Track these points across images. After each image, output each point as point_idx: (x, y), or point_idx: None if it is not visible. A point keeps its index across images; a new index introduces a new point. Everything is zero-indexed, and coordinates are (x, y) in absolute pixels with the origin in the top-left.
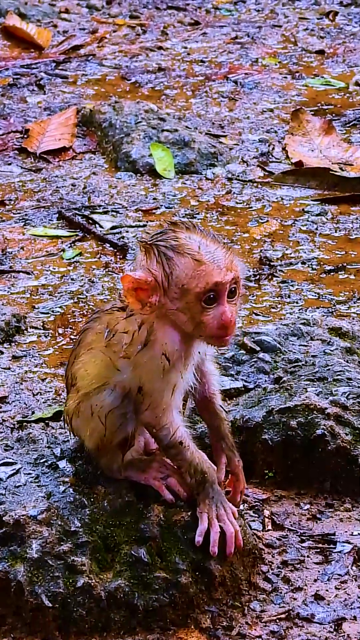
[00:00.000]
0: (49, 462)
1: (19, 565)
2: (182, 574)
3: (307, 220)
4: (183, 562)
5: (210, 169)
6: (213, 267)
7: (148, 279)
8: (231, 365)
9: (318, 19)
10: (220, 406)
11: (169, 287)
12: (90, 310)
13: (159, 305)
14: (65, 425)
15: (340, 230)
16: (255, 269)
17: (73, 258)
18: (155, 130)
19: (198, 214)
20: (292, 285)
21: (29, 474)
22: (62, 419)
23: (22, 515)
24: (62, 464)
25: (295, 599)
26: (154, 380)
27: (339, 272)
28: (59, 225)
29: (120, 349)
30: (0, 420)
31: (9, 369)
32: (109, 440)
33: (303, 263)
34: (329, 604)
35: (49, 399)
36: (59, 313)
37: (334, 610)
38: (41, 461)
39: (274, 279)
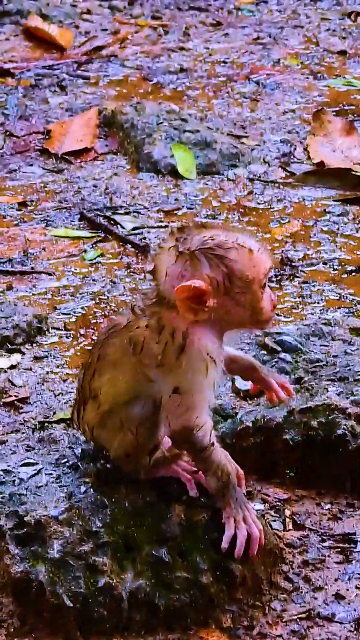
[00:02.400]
0: (70, 463)
1: (40, 565)
2: (203, 574)
3: (329, 221)
4: (204, 562)
5: (231, 169)
6: (261, 252)
7: (206, 285)
8: None
9: (340, 19)
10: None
11: (232, 284)
12: (111, 311)
13: (215, 309)
14: (78, 430)
15: None
16: (276, 270)
17: (95, 259)
18: (177, 131)
19: (220, 214)
20: (313, 286)
21: (50, 474)
22: (73, 425)
23: (44, 516)
24: (84, 464)
25: (316, 598)
26: (196, 382)
27: None
28: (81, 226)
29: (152, 361)
30: (22, 421)
31: (31, 369)
32: (140, 449)
33: (324, 263)
34: (349, 603)
35: (70, 400)
36: (80, 314)
37: (355, 610)
38: (62, 461)
39: (295, 279)
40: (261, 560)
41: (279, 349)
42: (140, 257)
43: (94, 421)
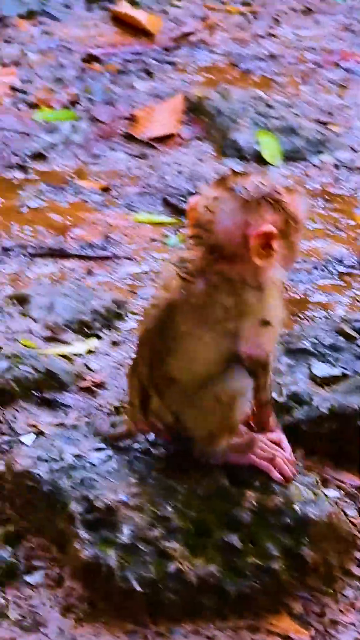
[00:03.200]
0: (142, 448)
1: (110, 550)
2: (274, 560)
3: None
4: (275, 548)
5: (317, 155)
6: (300, 193)
7: (275, 229)
8: (330, 352)
9: None
10: None
11: (288, 227)
12: None
13: (277, 251)
14: (141, 428)
15: None
16: (359, 256)
17: (176, 245)
18: (263, 117)
19: (305, 200)
20: None
21: (122, 459)
22: (134, 426)
23: (114, 501)
24: (155, 449)
25: None
26: (279, 311)
27: None
28: (163, 212)
29: (230, 314)
30: (97, 406)
31: (108, 354)
32: (233, 425)
33: None
34: None
35: None
36: None
37: None
38: (134, 447)
39: None
40: (334, 547)
41: (357, 335)
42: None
43: (177, 407)
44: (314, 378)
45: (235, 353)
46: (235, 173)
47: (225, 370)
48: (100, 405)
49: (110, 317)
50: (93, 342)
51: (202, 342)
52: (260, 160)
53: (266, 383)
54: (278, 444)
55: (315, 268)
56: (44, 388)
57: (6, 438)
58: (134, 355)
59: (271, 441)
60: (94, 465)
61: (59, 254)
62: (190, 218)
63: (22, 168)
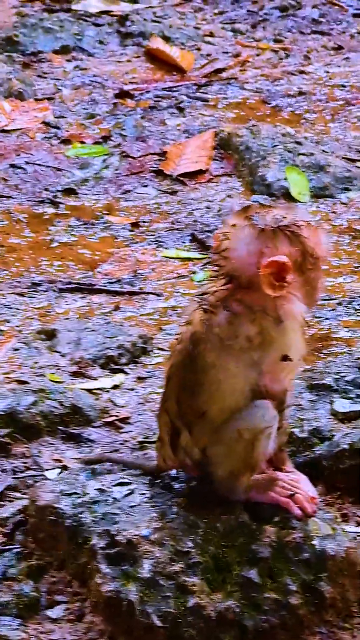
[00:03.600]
0: (164, 483)
1: (130, 584)
2: (292, 595)
3: None
4: (294, 583)
5: (345, 192)
6: (324, 231)
7: (289, 260)
8: (352, 388)
9: None
10: None
11: (305, 261)
12: None
13: (291, 284)
14: (171, 465)
15: None
16: None
17: (204, 280)
18: (292, 154)
19: (330, 237)
20: None
21: (144, 494)
22: (165, 462)
23: (135, 535)
24: (176, 484)
25: None
26: (298, 344)
27: None
28: (192, 247)
29: (252, 343)
30: (121, 441)
31: (133, 390)
32: (254, 463)
33: None
34: None
35: None
36: None
37: None
38: (156, 482)
39: None
40: (352, 582)
41: None
42: None
43: (205, 442)
44: (335, 414)
45: (261, 387)
46: (260, 205)
47: (249, 406)
48: (125, 440)
49: (137, 353)
50: (119, 377)
51: (229, 372)
52: (288, 196)
53: (281, 426)
54: (298, 482)
55: (340, 304)
56: (70, 423)
57: (31, 473)
58: (162, 392)
59: (292, 479)
60: (116, 499)
61: (88, 289)
62: (214, 248)
63: (53, 203)
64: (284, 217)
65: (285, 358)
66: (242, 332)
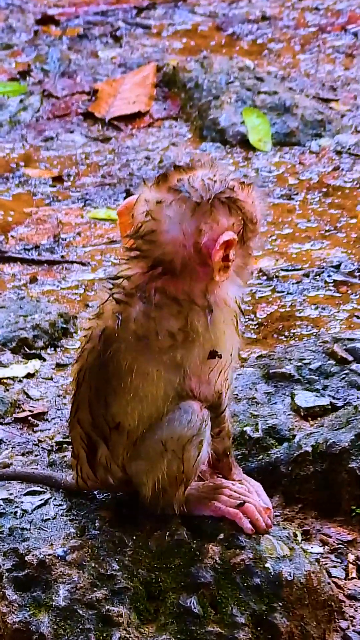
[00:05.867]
0: (85, 492)
1: (42, 614)
2: (240, 628)
3: None
4: (242, 614)
5: (315, 139)
6: (255, 187)
7: (235, 235)
8: (317, 378)
9: None
10: None
11: (246, 229)
12: None
13: (234, 259)
14: (91, 485)
15: None
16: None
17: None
18: (250, 93)
19: (297, 194)
20: None
21: (60, 505)
22: (82, 482)
23: (49, 555)
24: (101, 494)
25: None
26: (231, 337)
27: None
28: None
29: (176, 340)
30: (35, 441)
31: (51, 379)
32: (186, 477)
33: None
34: None
35: None
36: None
37: None
38: (76, 490)
39: None
40: (313, 614)
41: (350, 358)
42: None
43: (124, 456)
44: (296, 409)
45: (187, 390)
46: (178, 168)
47: (172, 411)
48: (40, 441)
49: (56, 335)
50: (34, 364)
51: (147, 378)
52: (245, 144)
53: (221, 429)
54: (249, 491)
55: (306, 276)
56: None
57: None
58: (72, 399)
59: (241, 487)
60: (26, 511)
61: None
62: (124, 226)
63: None
64: (214, 181)
65: (214, 355)
66: (163, 328)
